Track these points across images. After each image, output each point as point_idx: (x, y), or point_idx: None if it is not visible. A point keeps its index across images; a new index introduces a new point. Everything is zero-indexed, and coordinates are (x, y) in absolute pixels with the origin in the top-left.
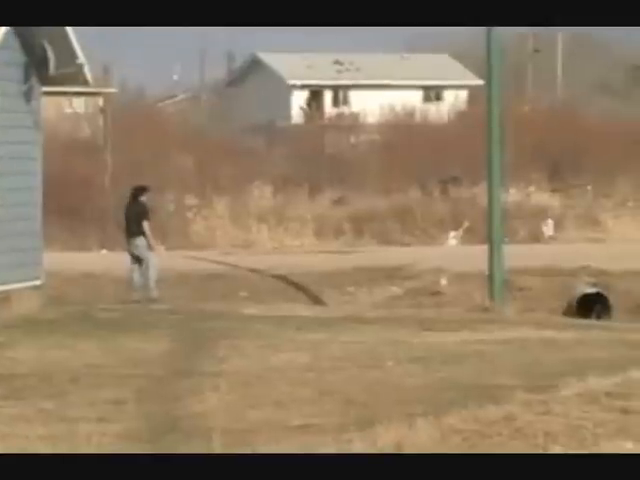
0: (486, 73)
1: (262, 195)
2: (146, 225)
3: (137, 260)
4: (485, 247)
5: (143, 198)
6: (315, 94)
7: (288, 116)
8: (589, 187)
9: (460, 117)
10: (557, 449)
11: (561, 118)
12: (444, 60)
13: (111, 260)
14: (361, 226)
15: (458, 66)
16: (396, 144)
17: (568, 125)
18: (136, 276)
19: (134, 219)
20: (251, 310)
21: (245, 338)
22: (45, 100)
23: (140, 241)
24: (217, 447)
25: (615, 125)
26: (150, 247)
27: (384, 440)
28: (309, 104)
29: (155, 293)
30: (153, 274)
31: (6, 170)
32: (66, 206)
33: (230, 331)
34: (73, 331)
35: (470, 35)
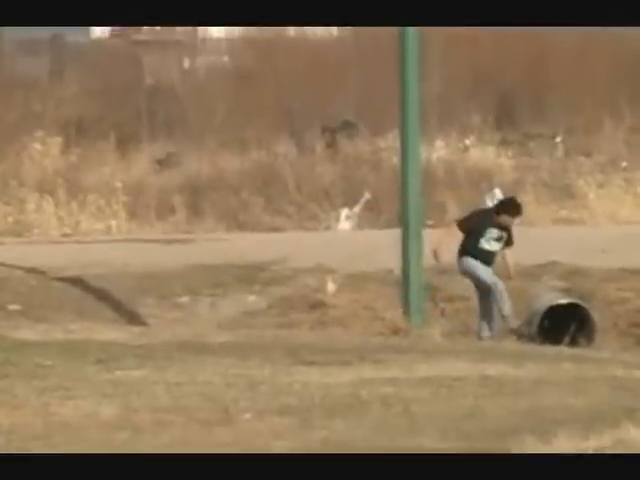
0: None
1: (45, 152)
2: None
3: None
4: (396, 233)
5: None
6: None
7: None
8: (559, 138)
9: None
10: None
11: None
12: None
13: None
14: (201, 200)
15: None
16: (255, 70)
17: (526, 38)
18: None
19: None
20: (25, 333)
21: (16, 378)
22: None
23: None
24: None
25: (599, 36)
26: None
27: None
28: None
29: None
30: None
31: None
32: None
33: None
34: None
35: None
